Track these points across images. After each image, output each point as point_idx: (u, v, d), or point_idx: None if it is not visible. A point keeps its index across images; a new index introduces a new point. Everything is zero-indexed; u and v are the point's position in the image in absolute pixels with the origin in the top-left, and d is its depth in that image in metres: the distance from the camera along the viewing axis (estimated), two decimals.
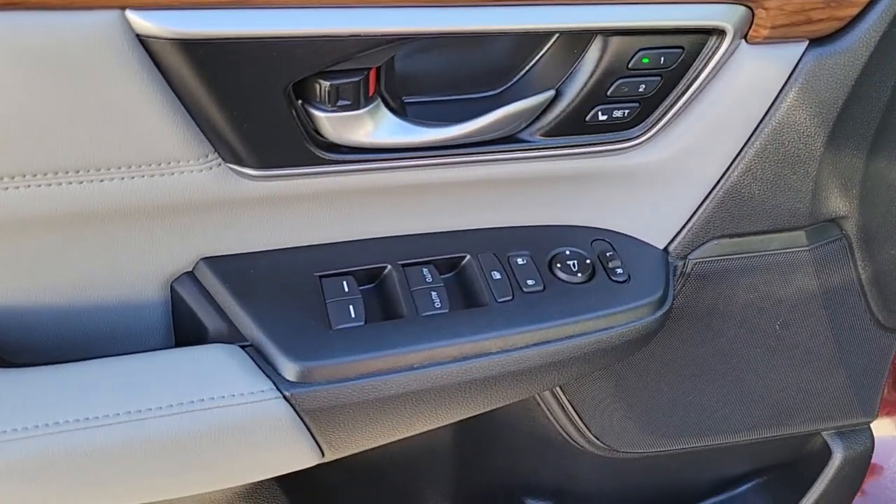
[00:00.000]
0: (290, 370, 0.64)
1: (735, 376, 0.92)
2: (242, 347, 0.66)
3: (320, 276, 0.71)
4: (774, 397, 0.95)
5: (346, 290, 0.70)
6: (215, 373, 0.63)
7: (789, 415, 0.97)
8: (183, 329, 0.72)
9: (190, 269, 0.70)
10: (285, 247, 0.71)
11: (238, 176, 0.64)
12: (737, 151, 0.74)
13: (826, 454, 1.06)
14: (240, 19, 0.55)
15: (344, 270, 0.71)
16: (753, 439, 0.99)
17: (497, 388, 0.71)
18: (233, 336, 0.67)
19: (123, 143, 0.58)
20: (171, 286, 0.70)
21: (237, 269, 0.70)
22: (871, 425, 1.06)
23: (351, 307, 0.68)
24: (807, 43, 0.69)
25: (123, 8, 0.53)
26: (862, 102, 0.74)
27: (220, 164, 0.63)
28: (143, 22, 0.53)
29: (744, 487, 1.15)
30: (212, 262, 0.69)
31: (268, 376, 0.64)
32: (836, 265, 0.86)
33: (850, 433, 1.05)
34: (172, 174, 0.62)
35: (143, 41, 0.54)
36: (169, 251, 0.68)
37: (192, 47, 0.55)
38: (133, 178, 0.61)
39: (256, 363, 0.65)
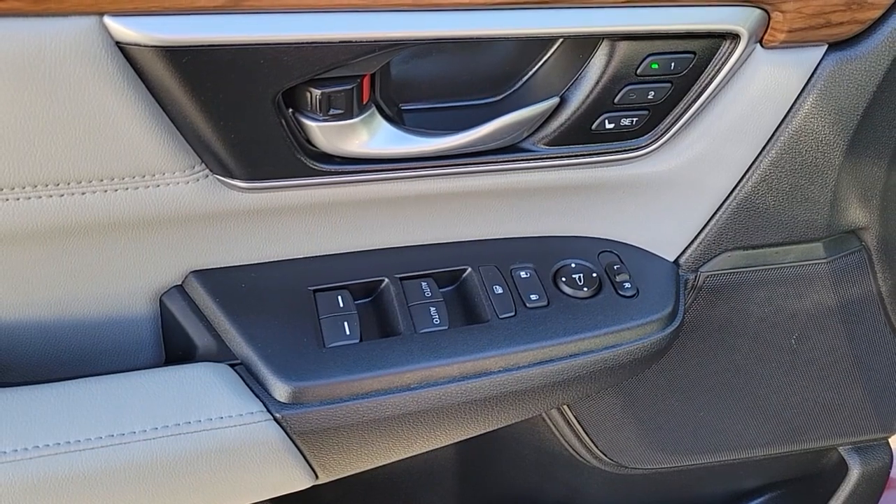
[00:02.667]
0: (281, 391, 0.62)
1: (749, 392, 0.89)
2: (232, 366, 0.64)
3: (314, 291, 0.68)
4: (790, 413, 0.92)
5: (341, 305, 0.67)
6: (203, 394, 0.61)
7: (805, 430, 0.94)
8: (172, 344, 0.69)
9: (179, 283, 0.67)
10: (278, 259, 0.69)
11: (226, 188, 0.61)
12: (751, 161, 0.71)
13: (843, 469, 1.03)
14: (225, 25, 0.52)
15: (339, 284, 0.69)
16: (767, 455, 0.96)
17: (498, 408, 0.68)
18: (222, 354, 0.65)
19: (105, 155, 0.56)
20: (161, 300, 0.68)
21: (228, 283, 0.67)
22: (890, 440, 1.03)
23: (346, 324, 0.66)
24: (826, 47, 0.66)
25: (101, 14, 0.50)
26: (884, 109, 0.70)
27: (207, 176, 0.60)
28: (123, 28, 0.51)
29: (756, 502, 1.12)
30: (202, 275, 0.67)
31: (258, 397, 0.62)
32: (855, 277, 0.83)
33: (868, 448, 1.02)
34: (157, 186, 0.59)
35: (122, 48, 0.52)
36: (157, 264, 0.66)
37: (174, 55, 0.52)
38: (116, 190, 0.58)
39: (246, 383, 0.62)
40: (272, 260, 0.69)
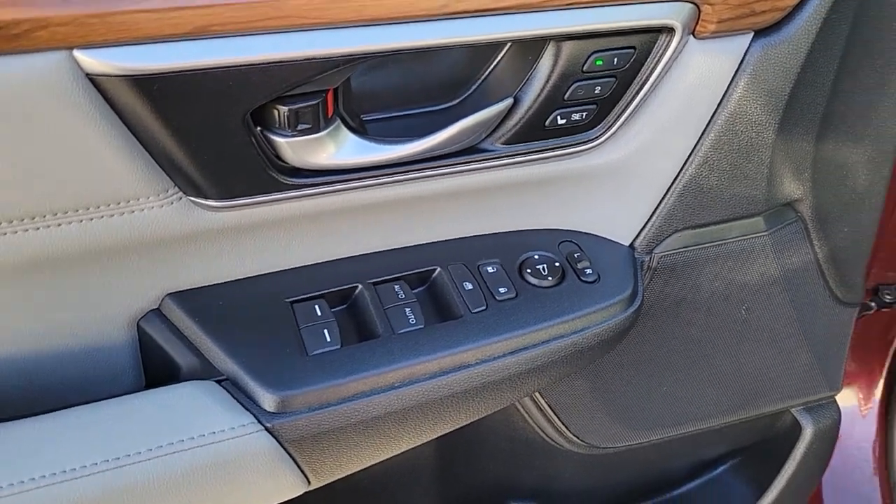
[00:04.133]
0: (269, 401, 0.63)
1: (706, 363, 0.93)
2: (218, 382, 0.65)
3: (291, 302, 0.70)
4: (745, 380, 0.97)
5: (319, 313, 0.69)
6: (193, 411, 0.62)
7: (760, 395, 0.99)
8: (154, 368, 0.70)
9: (156, 307, 0.68)
10: (253, 275, 0.70)
11: (200, 208, 0.63)
12: (693, 145, 0.76)
13: (797, 430, 1.08)
14: (192, 51, 0.54)
15: (315, 294, 0.70)
16: (728, 422, 1.00)
17: (479, 398, 0.71)
18: (207, 371, 0.66)
19: (80, 186, 0.57)
20: (138, 325, 0.68)
21: (205, 302, 0.68)
22: (836, 397, 1.09)
23: (325, 331, 0.68)
24: (752, 34, 0.71)
25: (71, 48, 0.51)
26: (808, 88, 0.76)
27: (180, 198, 0.62)
28: (93, 60, 0.52)
29: (721, 469, 1.17)
30: (178, 297, 0.68)
31: (248, 409, 0.63)
32: (794, 247, 0.88)
33: (818, 407, 1.07)
34: (132, 212, 0.60)
35: (93, 80, 0.53)
36: (133, 290, 0.66)
37: (145, 83, 0.54)
38: (92, 219, 0.59)
39: (235, 397, 0.64)
40: (247, 276, 0.70)
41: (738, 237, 0.84)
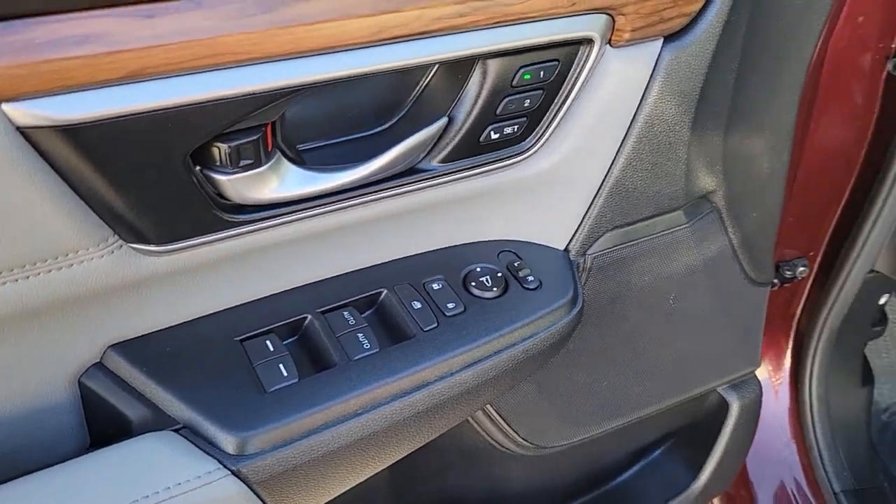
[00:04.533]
0: (231, 444, 0.62)
1: (641, 354, 0.97)
2: (176, 431, 0.63)
3: (241, 340, 0.68)
4: (676, 365, 1.01)
5: (272, 348, 0.68)
6: (155, 464, 0.60)
7: (690, 378, 1.04)
8: (100, 426, 0.67)
9: (98, 360, 0.65)
10: (199, 316, 0.68)
11: (142, 255, 0.61)
12: (616, 148, 0.79)
13: (724, 407, 1.14)
14: (127, 95, 0.52)
15: (264, 329, 0.69)
16: (663, 408, 1.05)
17: (440, 415, 0.72)
18: (161, 422, 0.64)
19: (14, 243, 0.54)
20: (80, 382, 0.65)
21: (151, 350, 0.66)
22: (756, 372, 1.16)
23: (281, 366, 0.67)
24: (662, 40, 0.75)
25: None
26: (715, 87, 0.81)
27: (121, 246, 0.59)
28: (23, 113, 0.49)
29: (657, 453, 1.22)
30: (122, 347, 0.65)
31: (210, 455, 0.61)
32: (712, 235, 0.93)
33: (741, 384, 1.14)
34: (71, 266, 0.58)
35: (24, 133, 0.50)
36: (73, 346, 0.63)
37: (80, 132, 0.51)
38: (28, 277, 0.56)
39: (196, 444, 0.62)
40: (193, 318, 0.68)
41: (662, 232, 0.88)
